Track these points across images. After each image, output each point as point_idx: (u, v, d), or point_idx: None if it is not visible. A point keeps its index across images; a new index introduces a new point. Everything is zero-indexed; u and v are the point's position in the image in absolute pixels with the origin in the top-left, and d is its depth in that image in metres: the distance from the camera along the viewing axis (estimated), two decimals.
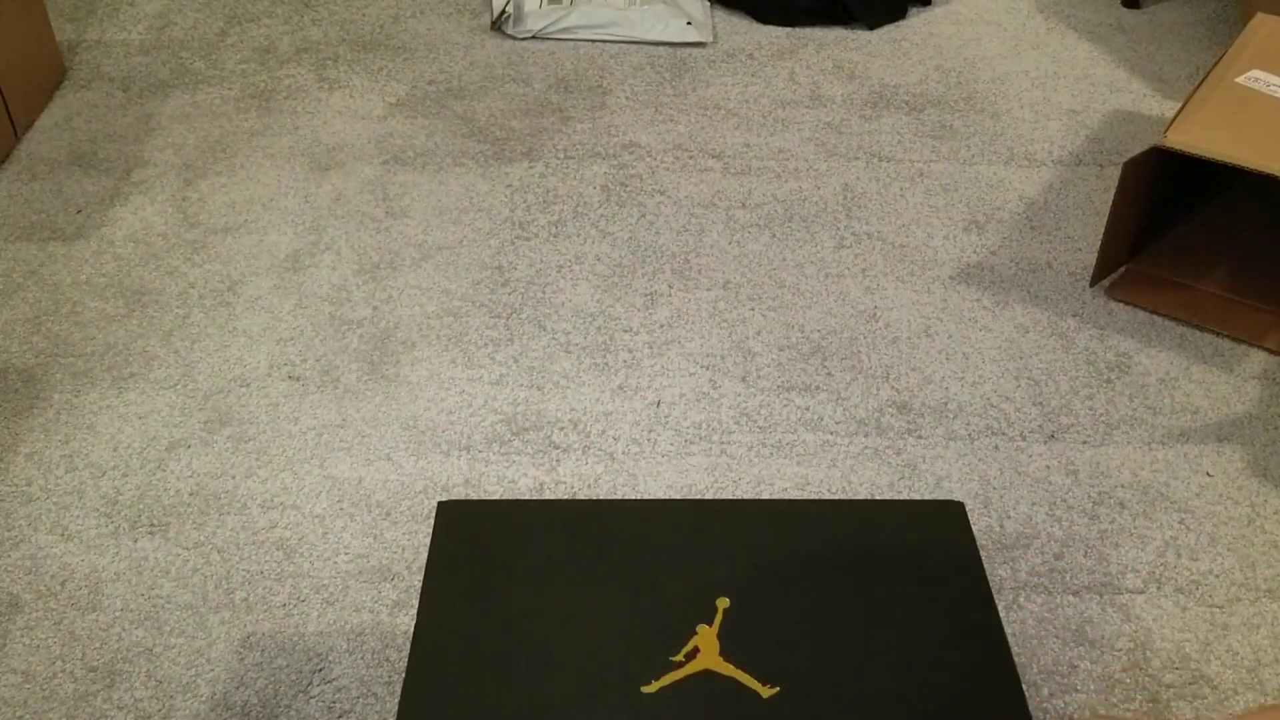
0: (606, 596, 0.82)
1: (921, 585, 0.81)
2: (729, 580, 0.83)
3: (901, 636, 0.79)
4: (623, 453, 1.36)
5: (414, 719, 0.75)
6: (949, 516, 0.86)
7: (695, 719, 0.75)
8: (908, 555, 0.83)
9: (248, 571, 1.23)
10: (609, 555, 0.85)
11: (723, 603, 0.82)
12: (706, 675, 0.77)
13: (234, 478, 1.33)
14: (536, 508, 0.91)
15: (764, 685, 0.77)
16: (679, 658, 0.78)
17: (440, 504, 0.90)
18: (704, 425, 1.40)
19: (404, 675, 0.77)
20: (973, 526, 1.29)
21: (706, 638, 0.79)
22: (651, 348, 1.50)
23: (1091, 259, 1.63)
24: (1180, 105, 1.57)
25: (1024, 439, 1.39)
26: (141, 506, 1.30)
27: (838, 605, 0.81)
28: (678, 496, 1.30)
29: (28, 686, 1.13)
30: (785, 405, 1.43)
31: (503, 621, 0.81)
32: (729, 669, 0.77)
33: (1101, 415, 1.42)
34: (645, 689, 0.76)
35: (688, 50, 2.09)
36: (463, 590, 0.83)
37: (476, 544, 0.86)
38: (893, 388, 1.45)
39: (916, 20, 2.19)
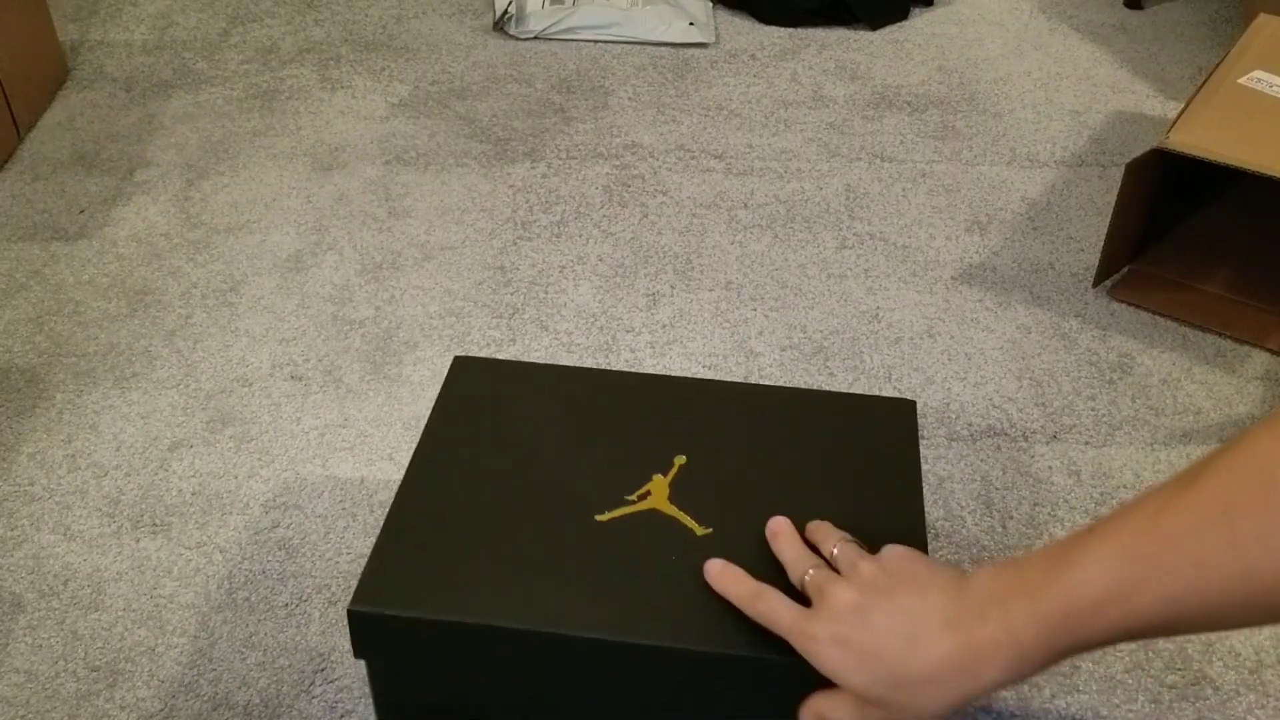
0: (584, 446, 0.95)
1: (859, 460, 0.94)
2: (691, 443, 0.95)
3: (830, 497, 0.91)
4: None
5: (396, 536, 0.88)
6: (899, 411, 0.99)
7: (636, 545, 0.87)
8: (853, 437, 0.96)
9: (250, 571, 1.23)
10: (593, 414, 0.98)
11: (680, 459, 0.94)
12: (653, 513, 0.89)
13: (236, 478, 1.33)
14: (541, 370, 1.06)
15: (700, 526, 0.88)
16: (633, 497, 0.91)
17: (456, 358, 1.03)
18: None
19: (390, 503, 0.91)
20: (975, 527, 1.29)
21: (659, 485, 0.92)
22: (654, 348, 1.50)
23: (1094, 260, 1.63)
24: (1183, 106, 1.57)
25: (1026, 439, 1.39)
26: (144, 506, 1.30)
27: (780, 472, 0.93)
28: None
29: (30, 686, 1.13)
30: None
31: (488, 461, 0.93)
32: (673, 510, 0.90)
33: (1104, 416, 1.42)
34: (598, 517, 0.89)
35: (690, 51, 2.09)
36: (458, 435, 0.96)
37: (479, 397, 0.99)
38: (895, 388, 1.45)
39: (919, 21, 2.19)
